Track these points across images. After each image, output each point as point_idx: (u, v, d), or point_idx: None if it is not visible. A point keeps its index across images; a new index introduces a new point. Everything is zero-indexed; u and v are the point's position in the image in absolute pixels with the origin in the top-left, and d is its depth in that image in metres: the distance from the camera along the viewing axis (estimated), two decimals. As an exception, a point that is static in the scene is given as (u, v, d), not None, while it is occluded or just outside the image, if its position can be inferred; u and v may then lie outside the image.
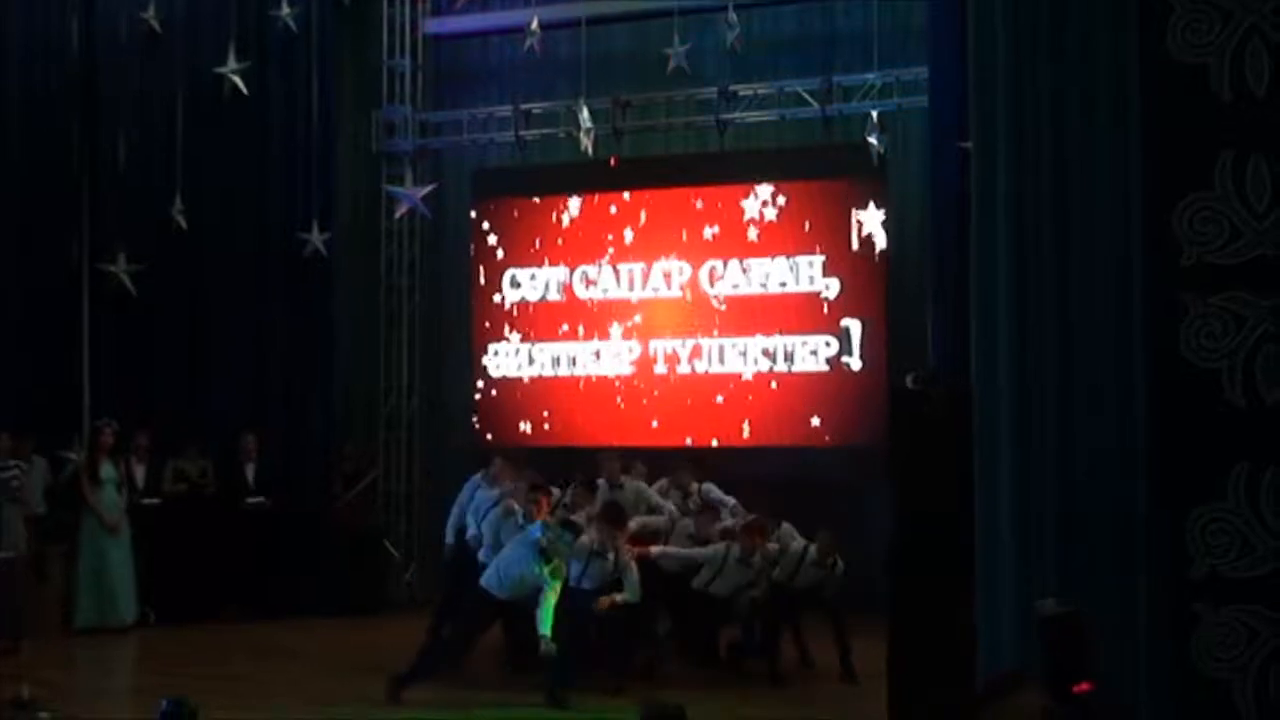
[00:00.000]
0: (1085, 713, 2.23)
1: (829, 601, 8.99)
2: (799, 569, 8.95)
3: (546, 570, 8.05)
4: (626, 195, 12.66)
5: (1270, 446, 5.02)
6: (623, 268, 12.61)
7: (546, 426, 12.70)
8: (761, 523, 9.13)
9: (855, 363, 11.78)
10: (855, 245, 11.78)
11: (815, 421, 11.83)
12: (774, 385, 12.01)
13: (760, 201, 12.22)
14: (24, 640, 9.77)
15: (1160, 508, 5.19)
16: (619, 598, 8.50)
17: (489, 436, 12.85)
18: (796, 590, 8.95)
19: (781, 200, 12.14)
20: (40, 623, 10.52)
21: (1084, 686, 2.28)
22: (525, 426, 12.77)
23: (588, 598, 8.43)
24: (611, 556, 8.51)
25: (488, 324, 13.08)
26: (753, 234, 12.21)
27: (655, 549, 9.13)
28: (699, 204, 12.41)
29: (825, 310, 11.91)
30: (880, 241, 11.75)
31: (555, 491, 9.49)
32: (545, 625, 7.93)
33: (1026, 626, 5.41)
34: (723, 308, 12.28)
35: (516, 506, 8.91)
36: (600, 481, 9.80)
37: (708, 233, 12.35)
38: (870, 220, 11.77)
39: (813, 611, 9.10)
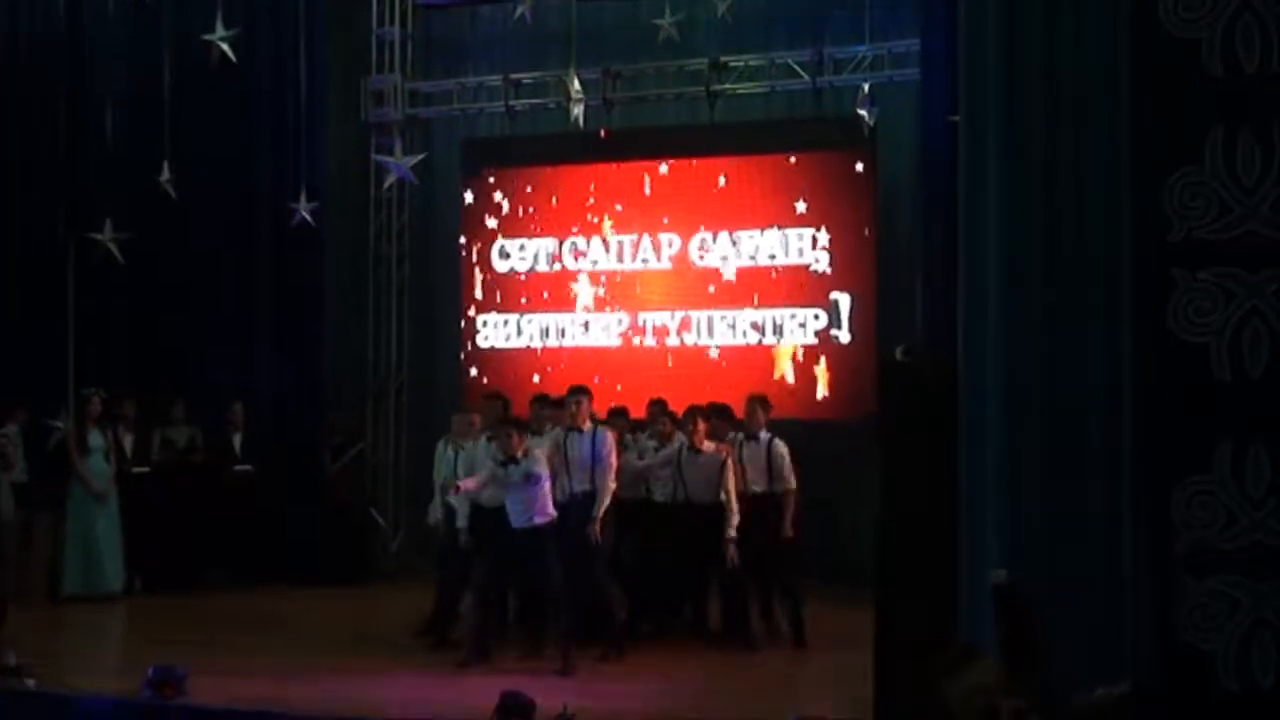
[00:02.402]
0: (1038, 679, 2.26)
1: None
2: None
3: None
4: (617, 166, 12.65)
5: (1256, 421, 5.04)
6: (612, 239, 12.60)
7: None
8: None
9: (844, 335, 11.80)
10: (845, 218, 11.79)
11: (802, 394, 11.86)
12: (763, 358, 12.04)
13: (750, 174, 12.21)
14: (10, 607, 9.77)
15: (1146, 480, 5.22)
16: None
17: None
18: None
19: (772, 173, 12.13)
20: (27, 590, 10.53)
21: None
22: (512, 398, 12.74)
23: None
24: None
25: (476, 295, 13.08)
26: (743, 207, 12.20)
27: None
28: (689, 176, 12.40)
29: (815, 283, 11.92)
30: (870, 214, 11.76)
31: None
32: None
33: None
34: (712, 280, 12.28)
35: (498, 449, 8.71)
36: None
37: (698, 205, 12.34)
38: (861, 192, 11.79)
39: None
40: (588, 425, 8.85)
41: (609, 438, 8.86)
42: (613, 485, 8.75)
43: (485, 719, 6.72)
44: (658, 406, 9.98)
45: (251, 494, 11.79)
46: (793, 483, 9.10)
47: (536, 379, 12.67)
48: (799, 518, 9.17)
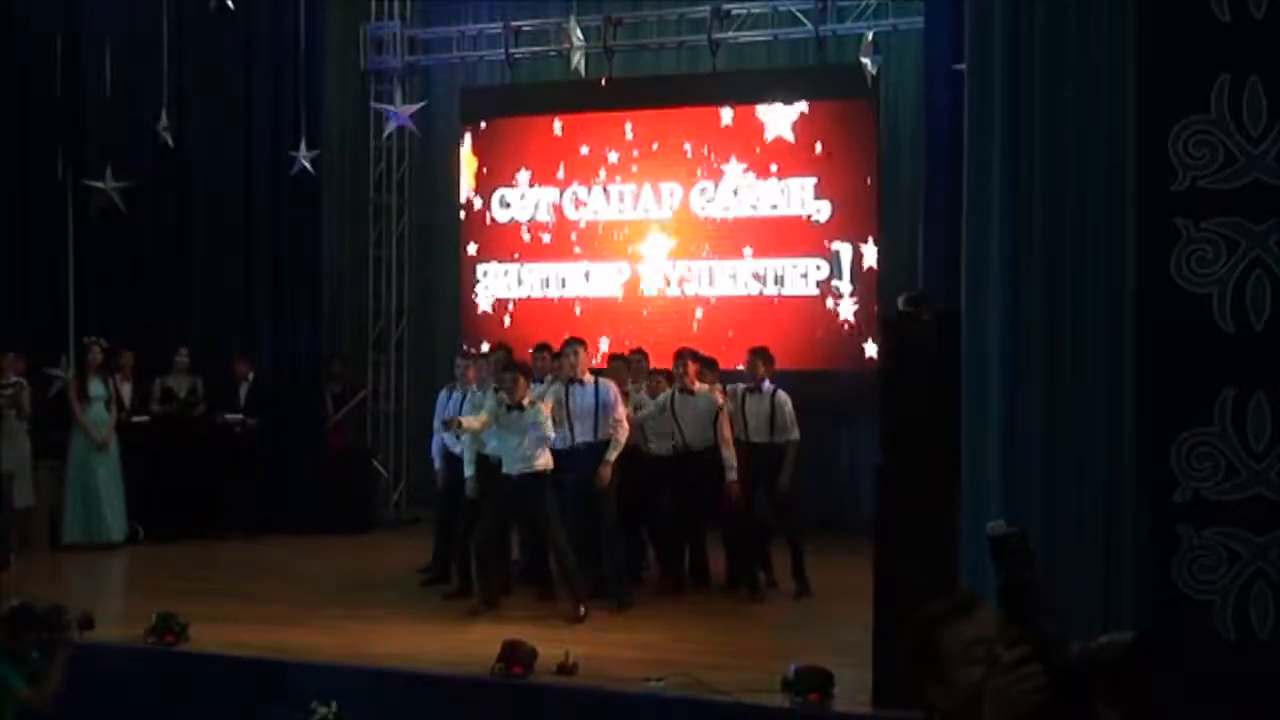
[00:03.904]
0: (1039, 628, 2.24)
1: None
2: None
3: None
4: (617, 115, 12.57)
5: (1258, 371, 5.03)
6: (613, 189, 12.54)
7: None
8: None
9: (845, 286, 11.77)
10: (847, 167, 11.73)
11: (804, 345, 11.85)
12: (764, 308, 12.01)
13: (752, 123, 12.13)
14: (12, 555, 9.82)
15: (1147, 430, 5.22)
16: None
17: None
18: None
19: (773, 122, 12.05)
20: (29, 539, 10.58)
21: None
22: (514, 347, 12.74)
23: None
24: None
25: (477, 244, 13.03)
26: (744, 156, 12.13)
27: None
28: (690, 125, 12.32)
29: (816, 233, 11.88)
30: (872, 164, 11.70)
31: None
32: None
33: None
34: (713, 230, 12.24)
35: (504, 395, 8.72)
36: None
37: (699, 154, 12.27)
38: (863, 142, 11.72)
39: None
40: (588, 377, 8.84)
41: (613, 387, 8.85)
42: (626, 429, 8.75)
43: (488, 667, 6.75)
44: (640, 356, 9.92)
45: (254, 444, 11.80)
46: (795, 434, 9.09)
47: (538, 328, 12.65)
48: (798, 469, 9.16)
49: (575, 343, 9.04)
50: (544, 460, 8.31)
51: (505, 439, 8.35)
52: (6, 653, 5.48)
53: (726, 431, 8.95)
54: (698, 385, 9.10)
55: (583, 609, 8.16)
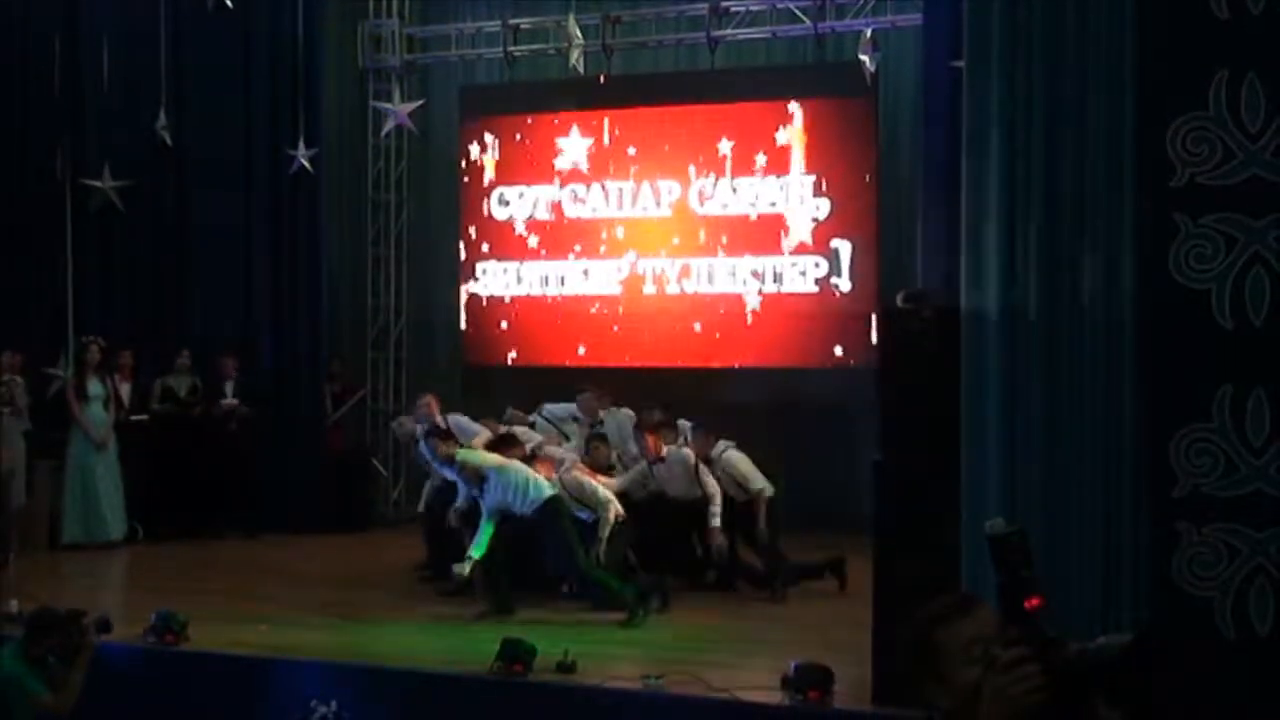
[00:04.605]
0: (1038, 628, 2.24)
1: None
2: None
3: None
4: (616, 113, 12.55)
5: (1257, 368, 5.03)
6: (611, 186, 12.53)
7: (534, 346, 12.71)
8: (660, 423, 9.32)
9: (844, 284, 11.76)
10: (846, 165, 11.72)
11: (803, 342, 11.84)
12: (763, 306, 12.01)
13: (750, 120, 12.12)
14: (12, 554, 9.81)
15: (1145, 427, 5.21)
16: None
17: (476, 355, 12.87)
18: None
19: (773, 119, 12.04)
20: (28, 538, 10.57)
21: (1034, 601, 2.30)
22: (512, 346, 12.78)
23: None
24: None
25: (476, 243, 13.02)
26: (743, 153, 12.12)
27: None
28: (689, 122, 12.30)
29: (815, 231, 11.87)
30: (871, 161, 11.69)
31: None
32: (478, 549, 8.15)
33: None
34: (712, 227, 12.23)
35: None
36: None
37: (698, 151, 12.26)
38: (862, 139, 11.71)
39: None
40: (666, 451, 8.93)
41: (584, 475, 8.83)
42: (612, 511, 8.64)
43: (487, 666, 6.74)
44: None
45: (253, 443, 11.79)
46: (760, 483, 8.94)
47: (537, 327, 12.66)
48: (771, 517, 8.97)
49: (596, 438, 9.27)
50: (541, 493, 8.30)
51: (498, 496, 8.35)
52: (26, 657, 5.44)
53: (709, 479, 8.86)
54: (664, 450, 9.05)
55: (641, 612, 8.10)
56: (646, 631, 7.89)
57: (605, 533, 8.51)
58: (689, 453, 9.01)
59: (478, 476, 8.30)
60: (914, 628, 2.47)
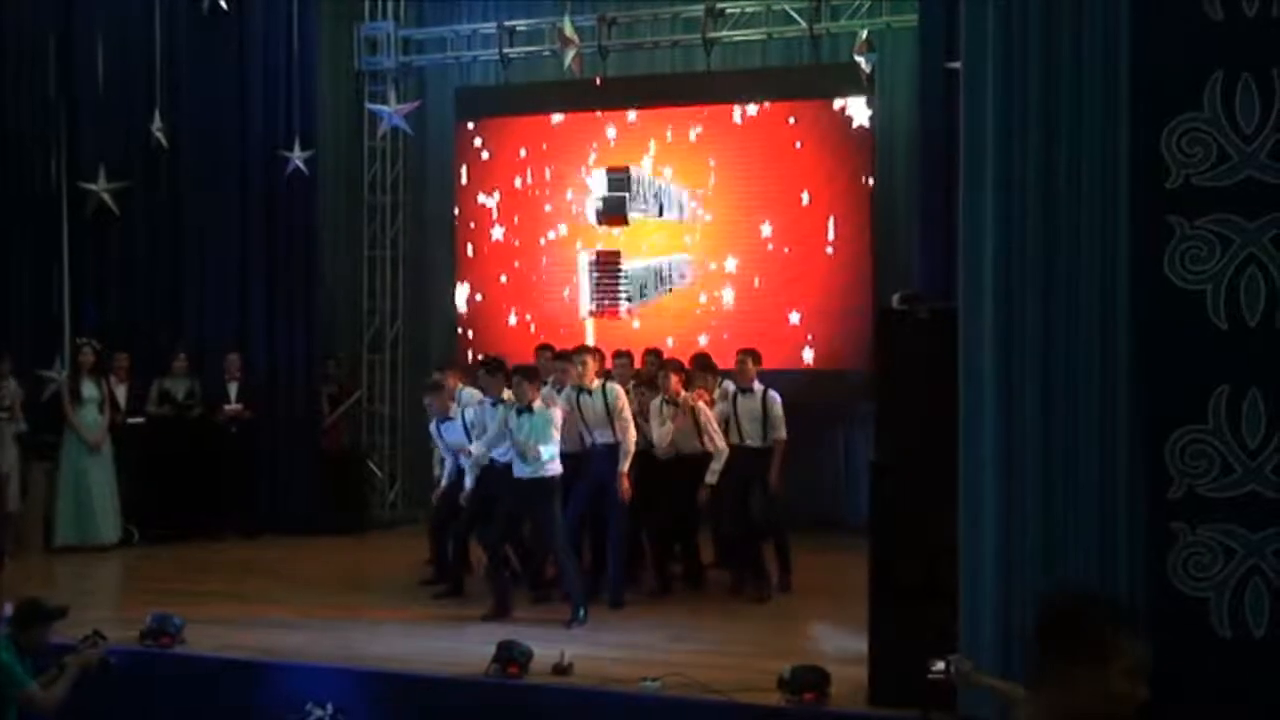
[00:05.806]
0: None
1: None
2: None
3: None
4: (612, 114, 12.56)
5: (1252, 369, 5.02)
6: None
7: (531, 347, 12.69)
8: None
9: (840, 284, 11.75)
10: (842, 166, 11.73)
11: (799, 345, 11.85)
12: (760, 307, 12.02)
13: (747, 122, 12.13)
14: (6, 557, 9.78)
15: (1141, 428, 5.21)
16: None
17: (473, 356, 12.85)
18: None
19: (769, 121, 12.05)
20: (23, 540, 10.56)
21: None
22: (508, 347, 12.76)
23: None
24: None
25: (471, 244, 13.03)
26: (740, 154, 12.13)
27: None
28: (685, 124, 12.31)
29: (811, 231, 11.87)
30: (868, 162, 11.70)
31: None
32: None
33: (1009, 545, 5.46)
34: (708, 229, 12.23)
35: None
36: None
37: (695, 153, 12.26)
38: (858, 140, 11.72)
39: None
40: (596, 383, 8.83)
41: (619, 392, 8.84)
42: (634, 436, 8.73)
43: (483, 668, 6.74)
44: (654, 357, 10.06)
45: (249, 445, 11.78)
46: (783, 433, 9.07)
47: (532, 328, 12.66)
48: (784, 469, 9.12)
49: (585, 350, 9.11)
50: (553, 467, 8.30)
51: (514, 443, 8.32)
52: (14, 647, 5.47)
53: (714, 430, 8.92)
54: (682, 395, 9.06)
55: (582, 611, 8.14)
56: (642, 634, 7.89)
57: (625, 464, 8.57)
58: (698, 403, 8.97)
59: (527, 399, 8.23)
60: (1097, 615, 2.43)
